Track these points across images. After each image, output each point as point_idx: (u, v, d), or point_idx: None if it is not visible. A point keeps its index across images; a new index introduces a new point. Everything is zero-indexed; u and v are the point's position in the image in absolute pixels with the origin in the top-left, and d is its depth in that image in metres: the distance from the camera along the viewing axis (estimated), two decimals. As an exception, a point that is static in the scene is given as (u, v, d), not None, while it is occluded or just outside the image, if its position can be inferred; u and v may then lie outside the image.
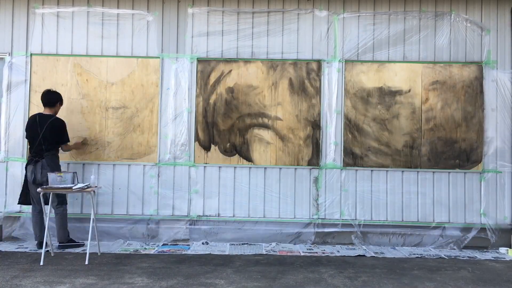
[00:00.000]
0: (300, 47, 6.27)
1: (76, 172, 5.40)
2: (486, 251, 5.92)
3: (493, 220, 6.12)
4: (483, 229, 6.10)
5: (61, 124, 5.72)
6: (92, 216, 5.16)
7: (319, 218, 6.16)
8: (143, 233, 6.13)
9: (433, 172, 6.15)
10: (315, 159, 6.21)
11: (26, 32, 6.27)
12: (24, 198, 5.66)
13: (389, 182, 6.15)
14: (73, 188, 5.05)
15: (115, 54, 6.26)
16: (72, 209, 6.08)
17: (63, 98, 5.98)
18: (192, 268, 4.83)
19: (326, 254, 5.60)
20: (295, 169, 6.21)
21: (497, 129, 6.19)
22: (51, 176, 5.14)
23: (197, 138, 6.23)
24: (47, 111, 5.73)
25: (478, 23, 6.28)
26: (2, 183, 6.16)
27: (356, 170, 6.19)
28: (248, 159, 6.22)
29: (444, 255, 5.66)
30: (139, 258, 5.27)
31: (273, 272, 4.70)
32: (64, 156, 6.07)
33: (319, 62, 6.26)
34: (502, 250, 5.93)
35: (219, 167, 6.22)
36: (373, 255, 5.59)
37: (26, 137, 5.76)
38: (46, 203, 5.27)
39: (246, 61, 6.27)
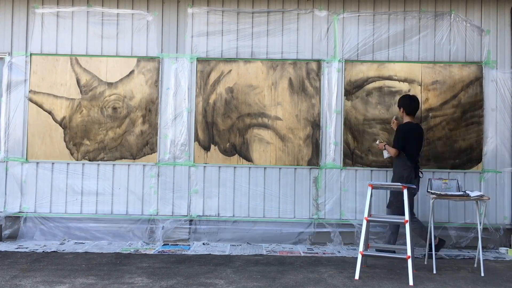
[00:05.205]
0: (300, 47, 6.27)
1: (458, 179, 5.22)
2: (486, 251, 5.91)
3: (493, 220, 6.12)
4: (483, 229, 6.09)
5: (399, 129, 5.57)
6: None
7: (319, 218, 6.16)
8: (143, 233, 6.12)
9: (433, 172, 6.15)
10: (315, 159, 6.20)
11: (26, 32, 6.27)
12: None
13: (389, 182, 6.14)
14: (472, 196, 4.86)
15: (115, 54, 6.26)
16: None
17: (62, 98, 5.99)
18: (192, 268, 4.83)
19: (326, 254, 5.60)
20: (295, 169, 6.21)
21: (497, 129, 6.19)
22: (436, 182, 5.07)
23: (197, 138, 6.22)
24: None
25: (478, 23, 6.28)
26: (2, 183, 6.15)
27: (356, 170, 6.19)
28: (248, 159, 6.21)
29: (444, 255, 5.66)
30: (139, 258, 5.26)
31: (273, 272, 4.70)
32: (65, 156, 6.11)
33: (319, 62, 6.26)
34: (502, 250, 5.93)
35: (219, 167, 6.22)
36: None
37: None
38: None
39: (246, 61, 6.27)
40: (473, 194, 4.89)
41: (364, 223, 4.66)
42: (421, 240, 5.57)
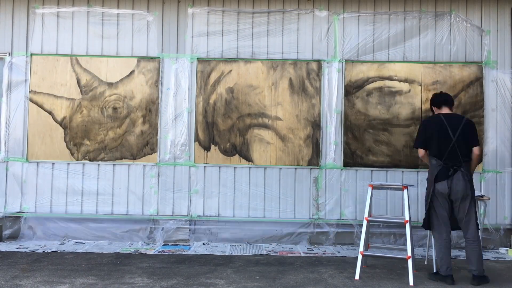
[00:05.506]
0: (300, 47, 6.27)
1: None
2: (486, 251, 5.91)
3: (493, 220, 6.12)
4: (483, 229, 6.08)
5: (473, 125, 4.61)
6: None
7: (319, 218, 6.16)
8: (143, 233, 6.12)
9: (433, 172, 6.14)
10: (315, 159, 6.21)
11: (26, 32, 6.27)
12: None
13: (389, 182, 6.14)
14: None
15: (115, 54, 6.26)
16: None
17: (63, 98, 5.99)
18: (192, 268, 4.83)
19: (326, 255, 5.60)
20: (295, 169, 6.21)
21: (497, 129, 6.19)
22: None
23: (197, 138, 6.22)
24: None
25: (478, 23, 6.28)
26: (2, 183, 6.16)
27: (356, 170, 6.19)
28: (248, 159, 6.21)
29: (444, 255, 5.65)
30: (139, 258, 5.27)
31: (273, 272, 4.70)
32: (65, 156, 6.12)
33: (319, 62, 6.26)
34: (502, 250, 5.93)
35: (219, 167, 6.22)
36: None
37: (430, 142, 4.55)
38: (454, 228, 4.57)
39: (246, 61, 6.27)
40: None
41: (365, 223, 4.67)
42: None
